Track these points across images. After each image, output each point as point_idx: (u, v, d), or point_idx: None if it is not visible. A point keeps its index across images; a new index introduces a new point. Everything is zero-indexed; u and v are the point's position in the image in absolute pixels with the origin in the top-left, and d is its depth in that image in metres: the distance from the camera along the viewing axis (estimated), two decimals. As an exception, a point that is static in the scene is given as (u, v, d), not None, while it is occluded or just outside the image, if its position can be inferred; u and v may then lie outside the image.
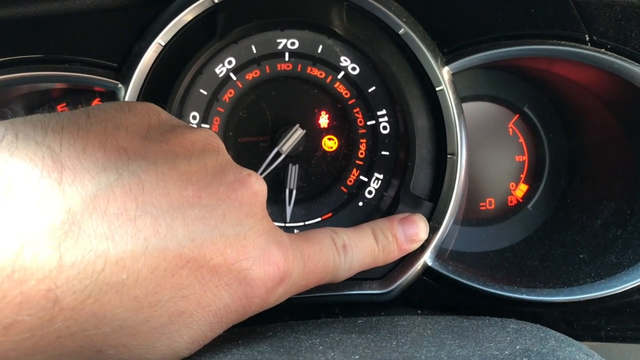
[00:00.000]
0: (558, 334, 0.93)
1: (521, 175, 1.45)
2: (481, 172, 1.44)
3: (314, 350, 0.80)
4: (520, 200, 1.44)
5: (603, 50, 1.17)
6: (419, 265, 1.17)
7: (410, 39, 1.18)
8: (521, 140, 1.43)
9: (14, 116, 0.75)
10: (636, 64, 1.15)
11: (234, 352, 0.82)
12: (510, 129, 1.43)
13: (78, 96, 1.33)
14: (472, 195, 1.43)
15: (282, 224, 1.29)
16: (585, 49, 1.17)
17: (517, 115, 1.43)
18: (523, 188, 1.45)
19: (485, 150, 1.43)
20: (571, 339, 0.91)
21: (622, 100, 1.26)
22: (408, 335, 0.87)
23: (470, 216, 1.43)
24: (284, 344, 0.85)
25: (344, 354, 0.78)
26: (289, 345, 0.83)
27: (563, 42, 1.18)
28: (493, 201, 1.45)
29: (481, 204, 1.45)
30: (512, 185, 1.45)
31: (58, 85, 1.25)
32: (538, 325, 0.98)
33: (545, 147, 1.43)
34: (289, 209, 1.28)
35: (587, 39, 1.17)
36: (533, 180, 1.44)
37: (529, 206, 1.43)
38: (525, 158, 1.44)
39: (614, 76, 1.16)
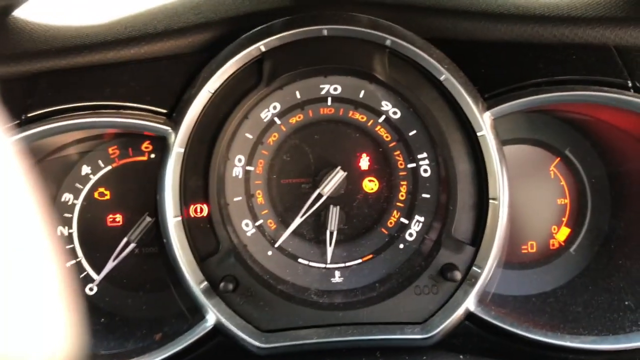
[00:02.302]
0: None
1: (563, 219, 1.43)
2: (522, 215, 1.43)
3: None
4: (562, 244, 1.43)
5: (646, 96, 1.17)
6: (461, 310, 1.17)
7: (452, 85, 1.20)
8: (562, 182, 1.43)
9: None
10: (679, 110, 1.15)
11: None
12: (552, 172, 1.43)
13: (128, 139, 1.39)
14: (513, 238, 1.42)
15: (323, 265, 1.30)
16: (628, 95, 1.17)
17: (559, 159, 1.42)
18: (565, 231, 1.43)
19: (527, 193, 1.42)
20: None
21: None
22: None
23: (511, 259, 1.42)
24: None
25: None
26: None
27: (605, 89, 1.18)
28: (535, 244, 1.44)
29: (522, 247, 1.44)
30: (554, 229, 1.44)
31: (111, 130, 1.30)
32: None
33: (587, 190, 1.42)
34: (329, 250, 1.29)
35: (630, 85, 1.18)
36: (575, 223, 1.43)
37: (572, 250, 1.42)
38: (567, 201, 1.43)
39: (657, 122, 1.17)
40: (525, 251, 1.43)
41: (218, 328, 1.18)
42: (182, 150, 1.19)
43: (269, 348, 1.15)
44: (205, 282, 1.19)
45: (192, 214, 1.21)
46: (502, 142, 1.29)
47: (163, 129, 1.20)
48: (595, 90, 1.18)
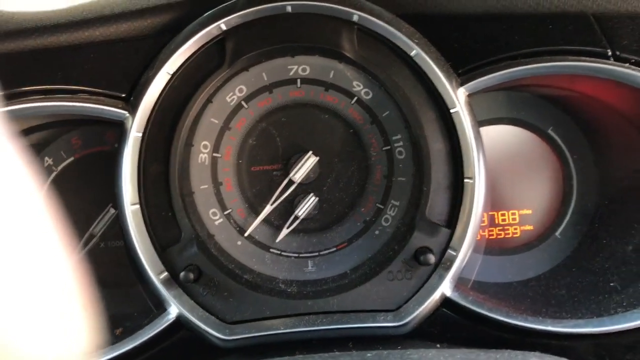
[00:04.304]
0: None
1: (548, 201, 1.37)
2: (505, 198, 1.37)
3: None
4: (548, 228, 1.37)
5: (627, 65, 1.11)
6: (436, 295, 1.11)
7: (423, 61, 1.14)
8: (547, 163, 1.36)
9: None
10: (663, 78, 1.09)
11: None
12: (535, 153, 1.37)
13: (91, 128, 1.34)
14: (496, 222, 1.36)
15: (295, 254, 1.24)
16: (608, 64, 1.11)
17: (542, 138, 1.36)
18: (550, 214, 1.37)
19: (510, 176, 1.36)
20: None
21: (649, 118, 1.20)
22: (416, 369, 0.81)
23: (494, 245, 1.36)
24: (282, 378, 0.79)
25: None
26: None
27: (584, 58, 1.12)
28: (519, 229, 1.37)
29: (506, 231, 1.37)
30: (539, 212, 1.37)
31: (69, 116, 1.25)
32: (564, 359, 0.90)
33: (572, 170, 1.36)
34: (284, 232, 1.23)
35: (610, 53, 1.12)
36: (560, 205, 1.37)
37: (557, 233, 1.35)
38: (551, 183, 1.37)
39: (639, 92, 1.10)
40: (509, 236, 1.37)
41: (180, 320, 1.12)
42: (140, 134, 1.14)
43: (233, 340, 1.09)
44: (166, 273, 1.13)
45: (152, 202, 1.16)
46: (484, 122, 1.24)
47: (119, 113, 1.15)
48: (573, 60, 1.12)
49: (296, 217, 1.23)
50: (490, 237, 1.36)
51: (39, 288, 0.57)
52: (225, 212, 1.25)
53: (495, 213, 1.37)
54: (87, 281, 0.61)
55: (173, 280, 1.13)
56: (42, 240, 0.58)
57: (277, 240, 1.24)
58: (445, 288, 1.11)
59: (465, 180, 1.13)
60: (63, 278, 0.60)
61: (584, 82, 1.18)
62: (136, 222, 1.13)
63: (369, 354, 0.92)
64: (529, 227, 1.37)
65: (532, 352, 0.93)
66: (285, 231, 1.23)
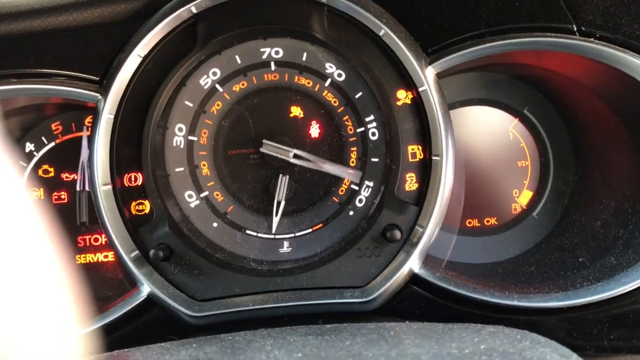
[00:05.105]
0: (543, 338, 0.86)
1: (525, 182, 1.37)
2: (482, 179, 1.37)
3: (260, 350, 0.76)
4: (525, 208, 1.37)
5: (592, 39, 1.11)
6: (404, 271, 1.11)
7: (391, 40, 1.15)
8: (522, 144, 1.37)
9: None
10: (627, 51, 1.08)
11: (182, 353, 0.79)
12: (511, 133, 1.37)
13: (72, 114, 1.36)
14: (472, 203, 1.36)
15: (272, 236, 1.25)
16: (573, 38, 1.11)
17: (518, 119, 1.36)
18: (527, 195, 1.37)
19: (486, 157, 1.36)
20: (554, 342, 0.83)
21: (616, 92, 1.19)
22: (367, 337, 0.81)
23: (470, 226, 1.36)
24: (236, 345, 0.81)
25: (287, 353, 0.73)
26: (239, 347, 0.79)
27: (550, 34, 1.12)
28: (495, 210, 1.37)
29: (483, 213, 1.38)
30: (516, 192, 1.38)
31: (52, 100, 1.27)
32: (524, 331, 0.90)
33: (549, 149, 1.36)
34: (275, 220, 1.24)
35: (575, 29, 1.12)
36: (538, 186, 1.37)
37: (535, 213, 1.35)
38: (528, 163, 1.37)
39: (605, 66, 1.10)
40: (486, 217, 1.37)
41: (151, 298, 1.13)
42: (112, 116, 1.16)
43: (202, 317, 1.11)
44: (137, 252, 1.15)
45: (126, 183, 1.18)
46: (460, 103, 1.24)
47: (92, 96, 1.17)
48: (539, 36, 1.12)
49: (279, 203, 1.24)
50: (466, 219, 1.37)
51: (22, 274, 0.57)
52: (202, 195, 1.26)
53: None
54: (70, 267, 0.63)
55: (144, 258, 1.15)
56: (24, 226, 0.59)
57: (273, 230, 1.24)
58: (413, 264, 1.12)
59: (433, 158, 1.14)
60: (47, 265, 0.61)
61: (551, 58, 1.19)
62: (108, 202, 1.15)
63: (328, 326, 0.93)
64: (507, 209, 1.38)
65: (493, 325, 0.93)
66: (276, 220, 1.24)
